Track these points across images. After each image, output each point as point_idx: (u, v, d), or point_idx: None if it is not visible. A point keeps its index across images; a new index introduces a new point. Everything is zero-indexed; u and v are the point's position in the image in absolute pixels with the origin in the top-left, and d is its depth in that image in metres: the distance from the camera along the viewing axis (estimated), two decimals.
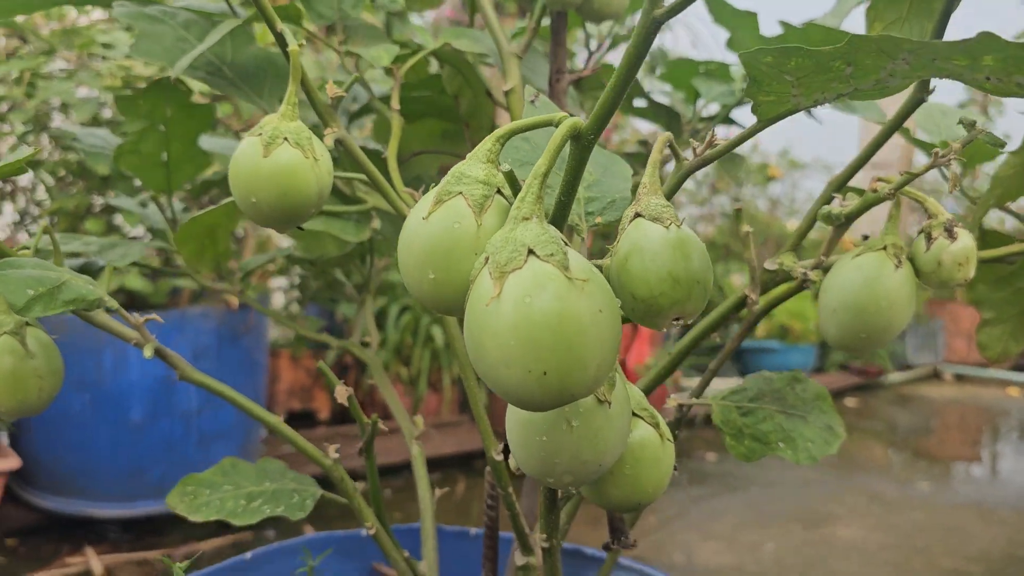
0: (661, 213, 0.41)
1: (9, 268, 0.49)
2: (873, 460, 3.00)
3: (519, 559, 0.58)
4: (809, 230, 0.59)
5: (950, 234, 0.50)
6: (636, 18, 0.94)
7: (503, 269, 0.35)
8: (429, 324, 2.64)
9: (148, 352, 0.56)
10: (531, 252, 0.35)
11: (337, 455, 0.58)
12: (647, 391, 0.61)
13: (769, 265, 0.58)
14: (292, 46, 0.48)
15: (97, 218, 1.85)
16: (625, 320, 0.49)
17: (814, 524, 2.27)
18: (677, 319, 0.40)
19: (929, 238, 0.51)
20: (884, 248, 0.52)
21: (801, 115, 0.55)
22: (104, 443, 1.87)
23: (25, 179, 2.35)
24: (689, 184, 3.65)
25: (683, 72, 0.96)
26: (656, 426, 0.48)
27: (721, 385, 3.34)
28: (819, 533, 2.21)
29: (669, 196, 0.48)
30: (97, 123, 1.69)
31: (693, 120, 0.95)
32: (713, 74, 0.95)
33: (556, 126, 0.38)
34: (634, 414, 0.47)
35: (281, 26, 0.51)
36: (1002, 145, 0.48)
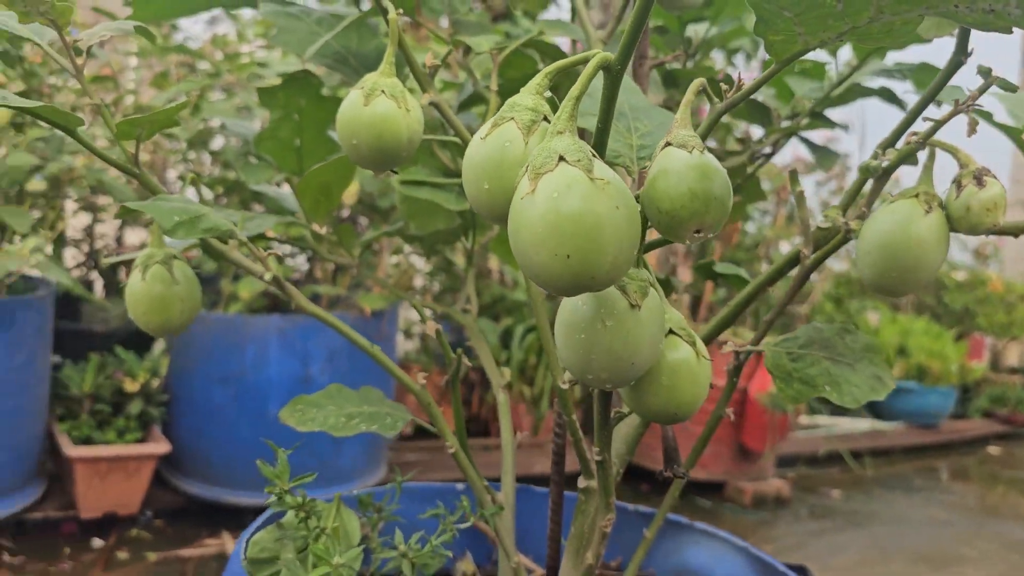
0: (687, 141, 0.47)
1: (160, 201, 0.60)
2: (1013, 508, 2.83)
3: (581, 483, 0.65)
4: (860, 189, 0.63)
5: (979, 182, 0.54)
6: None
7: (538, 171, 0.42)
8: None
9: (268, 276, 0.66)
10: (562, 158, 0.42)
11: (424, 382, 0.66)
12: (707, 339, 0.66)
13: (821, 224, 0.63)
14: (391, 13, 0.57)
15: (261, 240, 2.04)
16: (657, 242, 0.55)
17: (942, 565, 2.18)
18: (698, 231, 0.46)
19: (959, 186, 0.55)
20: (916, 196, 0.56)
21: None
22: (244, 435, 2.03)
23: (188, 194, 2.59)
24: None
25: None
26: (693, 344, 0.53)
27: (851, 426, 3.24)
28: (947, 574, 2.12)
29: (704, 135, 0.54)
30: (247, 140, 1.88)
31: (786, 116, 0.99)
32: (808, 72, 1.00)
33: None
34: (673, 332, 0.53)
35: (386, 2, 0.60)
36: (1014, 89, 0.51)
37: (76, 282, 1.70)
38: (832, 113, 1.13)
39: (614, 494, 0.59)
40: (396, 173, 0.63)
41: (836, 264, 3.66)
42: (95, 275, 2.66)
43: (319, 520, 0.59)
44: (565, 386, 0.63)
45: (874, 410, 3.48)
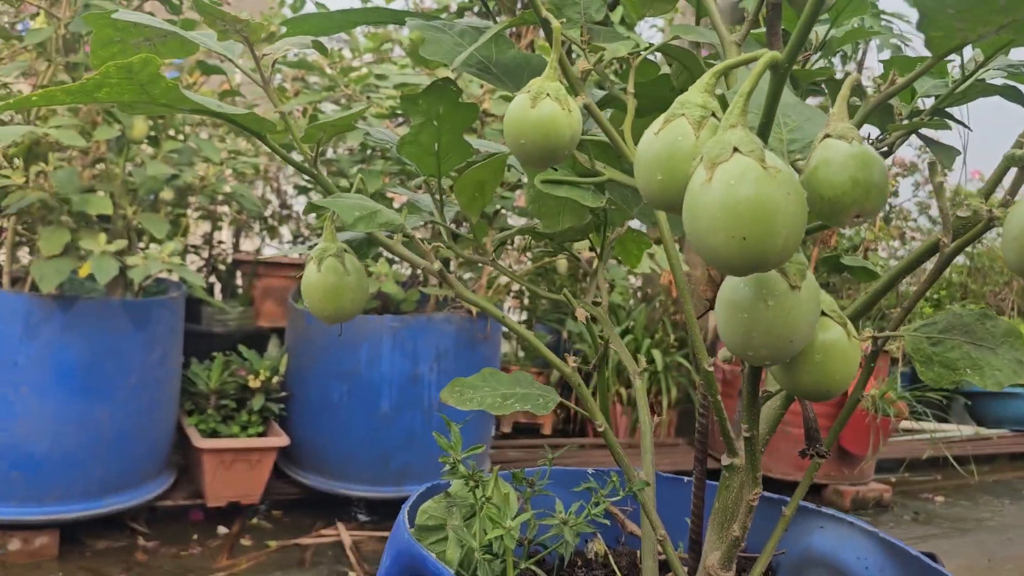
0: (846, 133, 0.51)
1: (340, 198, 0.67)
2: None
3: (725, 460, 0.68)
4: (1000, 178, 0.65)
5: None
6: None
7: (714, 161, 0.47)
8: (650, 347, 2.74)
9: (436, 267, 0.71)
10: (736, 149, 0.47)
11: (575, 364, 0.71)
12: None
13: (962, 212, 0.66)
14: (555, 24, 0.63)
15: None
16: (817, 227, 0.59)
17: None
18: (858, 216, 0.50)
19: None
20: None
21: None
22: (358, 430, 2.12)
23: (300, 204, 2.72)
24: (925, 223, 3.52)
25: (900, 70, 1.02)
26: (844, 325, 0.57)
27: (961, 431, 3.16)
28: None
29: (858, 126, 0.57)
30: (364, 147, 1.97)
31: (907, 114, 1.01)
32: (932, 70, 1.01)
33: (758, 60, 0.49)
34: (825, 314, 0.57)
35: (545, 13, 0.66)
36: None
37: (199, 281, 1.81)
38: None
39: (760, 469, 0.63)
40: (556, 170, 0.68)
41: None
42: (214, 279, 2.81)
43: (486, 490, 0.64)
44: (710, 368, 0.67)
45: (977, 416, 3.38)
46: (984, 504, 2.66)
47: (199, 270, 2.73)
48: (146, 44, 0.74)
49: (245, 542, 2.03)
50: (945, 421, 3.24)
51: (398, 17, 0.96)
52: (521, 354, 2.88)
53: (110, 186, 1.80)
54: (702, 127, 0.51)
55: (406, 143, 0.99)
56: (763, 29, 0.87)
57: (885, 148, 1.09)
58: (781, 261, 0.47)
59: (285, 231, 2.81)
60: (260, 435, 2.11)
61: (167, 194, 1.97)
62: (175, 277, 1.98)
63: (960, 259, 3.82)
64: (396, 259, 2.47)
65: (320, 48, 0.73)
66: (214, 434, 2.06)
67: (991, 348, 0.65)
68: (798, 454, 0.73)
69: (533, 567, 0.65)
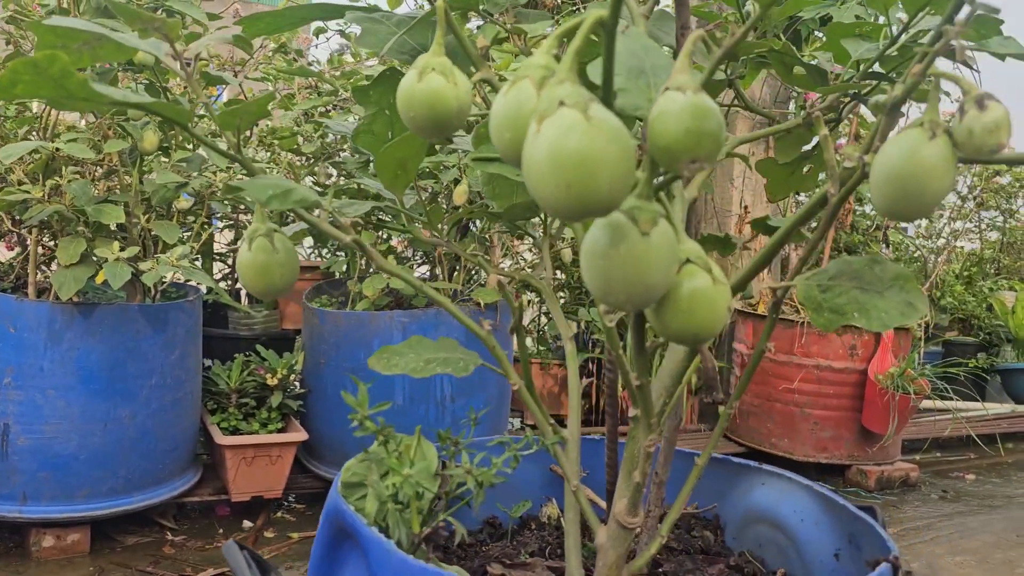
0: (683, 84, 0.54)
1: (257, 179, 0.72)
2: None
3: (631, 411, 0.71)
4: (879, 129, 0.67)
5: (981, 106, 0.57)
6: None
7: (542, 115, 0.50)
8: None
9: (349, 239, 0.76)
10: (562, 103, 0.50)
11: (491, 328, 0.75)
12: (747, 278, 0.71)
13: (848, 164, 0.68)
14: (439, 3, 0.66)
15: (368, 232, 2.18)
16: (667, 181, 0.61)
17: None
18: (693, 162, 0.53)
19: (963, 112, 0.58)
20: (922, 125, 0.59)
21: None
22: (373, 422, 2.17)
23: None
24: (952, 198, 3.46)
25: (836, 35, 1.04)
26: (709, 271, 0.59)
27: (996, 408, 3.10)
28: None
29: (705, 81, 0.60)
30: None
31: (842, 77, 1.02)
32: (866, 34, 1.03)
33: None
34: (690, 261, 0.59)
35: None
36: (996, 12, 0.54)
37: (217, 284, 1.88)
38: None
39: (655, 416, 0.65)
40: (451, 142, 0.72)
41: (968, 245, 3.52)
42: (240, 285, 2.90)
43: (398, 444, 0.68)
44: (611, 324, 0.70)
45: (1014, 394, 3.31)
46: (1017, 481, 2.61)
47: (224, 277, 2.82)
48: (86, 48, 0.80)
49: (268, 534, 2.10)
50: (980, 399, 3.18)
51: (338, 12, 1.01)
52: (542, 347, 2.92)
53: (124, 196, 1.88)
54: (543, 87, 0.54)
55: (360, 132, 1.04)
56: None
57: (832, 114, 1.11)
58: (610, 205, 0.50)
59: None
60: (280, 431, 2.17)
61: (184, 203, 2.05)
62: (199, 284, 2.06)
63: (993, 235, 3.74)
64: (408, 256, 2.52)
65: (243, 44, 0.77)
66: (235, 431, 2.14)
67: (879, 292, 0.67)
68: (701, 398, 0.75)
69: (450, 518, 0.68)
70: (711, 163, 0.54)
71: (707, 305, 0.59)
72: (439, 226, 1.04)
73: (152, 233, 1.94)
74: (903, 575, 0.74)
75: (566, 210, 0.49)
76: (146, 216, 1.90)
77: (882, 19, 1.04)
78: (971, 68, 1.02)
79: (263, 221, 0.79)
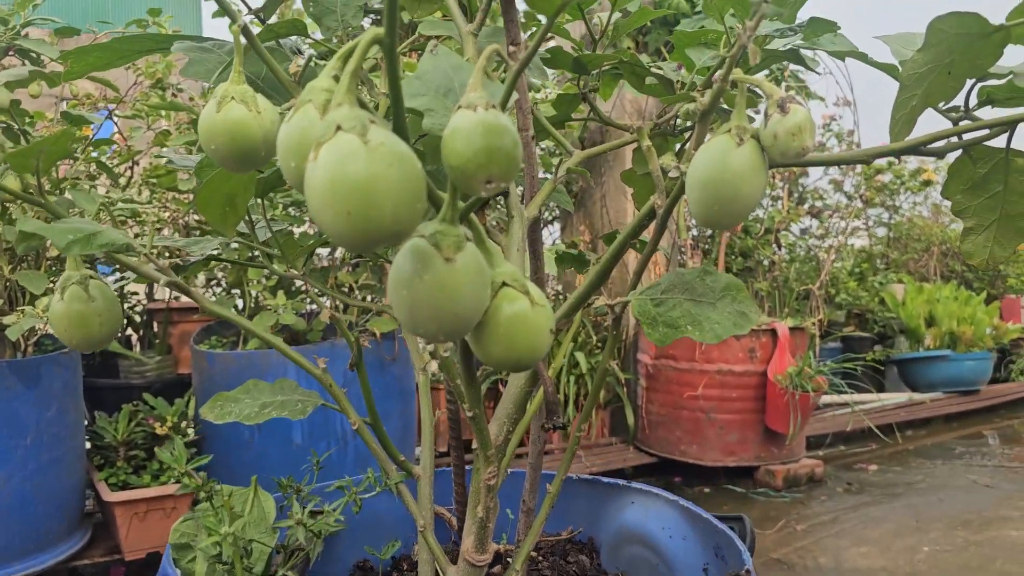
0: (475, 102, 0.51)
1: (58, 223, 0.67)
2: None
3: (474, 445, 0.68)
4: (693, 137, 0.66)
5: (783, 109, 0.57)
6: None
7: (320, 141, 0.47)
8: (573, 349, 2.74)
9: (164, 281, 0.71)
10: (339, 127, 0.47)
11: (325, 366, 0.71)
12: (585, 296, 0.70)
13: (672, 174, 0.66)
14: (233, 27, 0.63)
15: (258, 269, 2.11)
16: (473, 204, 0.59)
17: (981, 528, 2.14)
18: (489, 183, 0.50)
19: (767, 116, 0.58)
20: (729, 131, 0.59)
21: None
22: (273, 463, 2.10)
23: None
24: (839, 197, 3.56)
25: (681, 44, 1.04)
26: (526, 293, 0.57)
27: (894, 398, 3.18)
28: (985, 536, 2.07)
29: (504, 100, 0.58)
30: None
31: (688, 86, 1.02)
32: (712, 44, 1.03)
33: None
34: (506, 284, 0.57)
35: (238, 22, 0.66)
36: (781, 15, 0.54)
37: None
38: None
39: (492, 448, 0.63)
40: (262, 173, 0.68)
41: (857, 242, 3.62)
42: (131, 331, 2.78)
43: (227, 497, 0.64)
44: (447, 354, 0.67)
45: (911, 383, 3.41)
46: (916, 468, 2.68)
47: None
48: None
49: None
50: (880, 390, 3.26)
51: (168, 42, 0.96)
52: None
53: None
54: (327, 111, 0.51)
55: (203, 167, 0.99)
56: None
57: (689, 124, 1.11)
58: (397, 233, 0.47)
59: (200, 276, 2.79)
60: (176, 481, 2.08)
61: (53, 250, 1.95)
62: None
63: (880, 231, 3.86)
64: (309, 293, 2.46)
65: (45, 78, 0.72)
66: (125, 486, 2.03)
67: (711, 303, 0.65)
68: (540, 427, 0.73)
69: (290, 572, 0.64)
70: (508, 182, 0.51)
71: (527, 329, 0.57)
72: (295, 260, 1.00)
73: (19, 284, 1.83)
74: None
75: (350, 240, 0.46)
76: (10, 267, 1.80)
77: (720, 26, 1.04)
78: (811, 70, 1.04)
79: (77, 268, 0.74)
